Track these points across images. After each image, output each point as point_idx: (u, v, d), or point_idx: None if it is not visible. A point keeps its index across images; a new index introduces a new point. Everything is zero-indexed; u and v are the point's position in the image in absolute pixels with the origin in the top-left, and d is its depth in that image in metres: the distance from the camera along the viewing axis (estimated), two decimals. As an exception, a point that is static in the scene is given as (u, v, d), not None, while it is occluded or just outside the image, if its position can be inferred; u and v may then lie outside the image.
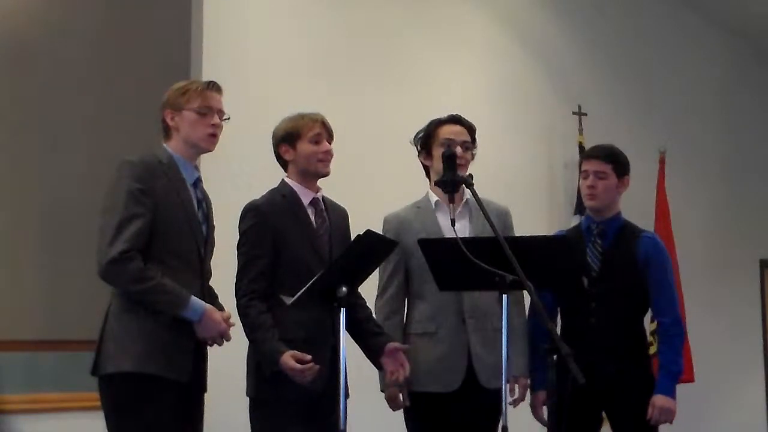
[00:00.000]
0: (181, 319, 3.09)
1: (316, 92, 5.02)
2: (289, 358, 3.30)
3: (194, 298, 3.11)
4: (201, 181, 3.30)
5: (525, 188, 5.93)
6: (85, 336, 4.28)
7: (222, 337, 3.19)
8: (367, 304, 3.73)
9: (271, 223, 3.48)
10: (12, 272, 4.47)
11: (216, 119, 3.24)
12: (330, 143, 3.60)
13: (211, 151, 3.31)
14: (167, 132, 3.26)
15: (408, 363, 3.56)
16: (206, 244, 3.27)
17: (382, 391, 3.75)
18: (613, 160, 3.93)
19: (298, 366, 3.28)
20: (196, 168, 3.31)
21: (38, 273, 4.55)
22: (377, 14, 5.66)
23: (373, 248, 3.31)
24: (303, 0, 5.47)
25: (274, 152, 3.65)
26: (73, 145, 4.66)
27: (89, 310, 3.98)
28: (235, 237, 3.55)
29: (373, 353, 3.57)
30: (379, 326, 3.65)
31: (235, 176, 4.81)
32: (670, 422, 3.83)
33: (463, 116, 3.87)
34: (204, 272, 3.28)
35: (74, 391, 4.38)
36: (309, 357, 3.30)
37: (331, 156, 3.59)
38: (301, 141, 3.56)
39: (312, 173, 3.58)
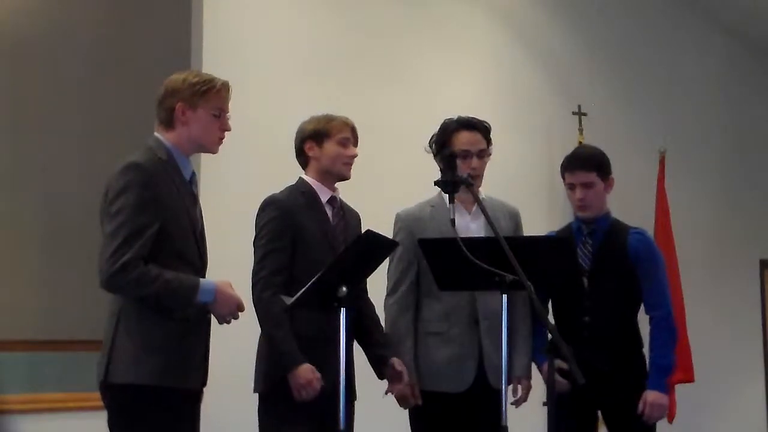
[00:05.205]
0: (198, 306, 3.00)
1: (316, 92, 5.02)
2: (309, 370, 3.33)
3: (202, 280, 3.03)
4: (195, 175, 3.21)
5: (525, 188, 5.91)
6: (85, 336, 4.30)
7: (238, 308, 3.06)
8: (374, 304, 3.73)
9: (290, 218, 3.49)
10: (12, 272, 4.46)
11: (227, 123, 3.17)
12: (355, 149, 3.63)
13: (215, 153, 3.25)
14: (170, 122, 3.12)
15: (412, 374, 3.62)
16: (203, 241, 3.21)
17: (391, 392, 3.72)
18: (597, 167, 3.90)
19: (315, 381, 3.32)
20: (190, 162, 3.23)
21: (38, 273, 4.54)
22: (377, 14, 5.66)
23: (373, 248, 3.30)
24: (303, 0, 5.48)
25: (296, 148, 3.65)
26: (72, 144, 4.64)
27: (90, 310, 3.98)
28: (231, 236, 3.54)
29: (377, 364, 3.58)
30: (384, 335, 3.65)
31: (234, 176, 4.81)
32: (669, 420, 3.82)
33: (476, 118, 3.82)
34: (204, 269, 3.22)
35: (75, 391, 4.38)
36: (319, 375, 3.33)
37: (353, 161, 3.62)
38: (329, 141, 3.59)
39: (335, 174, 3.61)
